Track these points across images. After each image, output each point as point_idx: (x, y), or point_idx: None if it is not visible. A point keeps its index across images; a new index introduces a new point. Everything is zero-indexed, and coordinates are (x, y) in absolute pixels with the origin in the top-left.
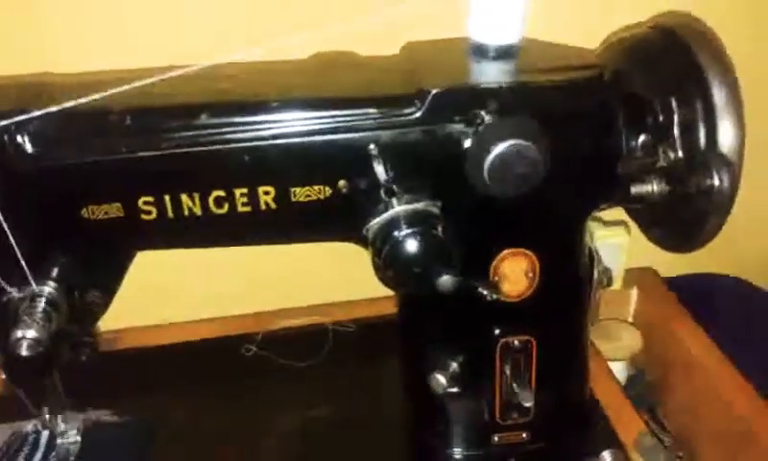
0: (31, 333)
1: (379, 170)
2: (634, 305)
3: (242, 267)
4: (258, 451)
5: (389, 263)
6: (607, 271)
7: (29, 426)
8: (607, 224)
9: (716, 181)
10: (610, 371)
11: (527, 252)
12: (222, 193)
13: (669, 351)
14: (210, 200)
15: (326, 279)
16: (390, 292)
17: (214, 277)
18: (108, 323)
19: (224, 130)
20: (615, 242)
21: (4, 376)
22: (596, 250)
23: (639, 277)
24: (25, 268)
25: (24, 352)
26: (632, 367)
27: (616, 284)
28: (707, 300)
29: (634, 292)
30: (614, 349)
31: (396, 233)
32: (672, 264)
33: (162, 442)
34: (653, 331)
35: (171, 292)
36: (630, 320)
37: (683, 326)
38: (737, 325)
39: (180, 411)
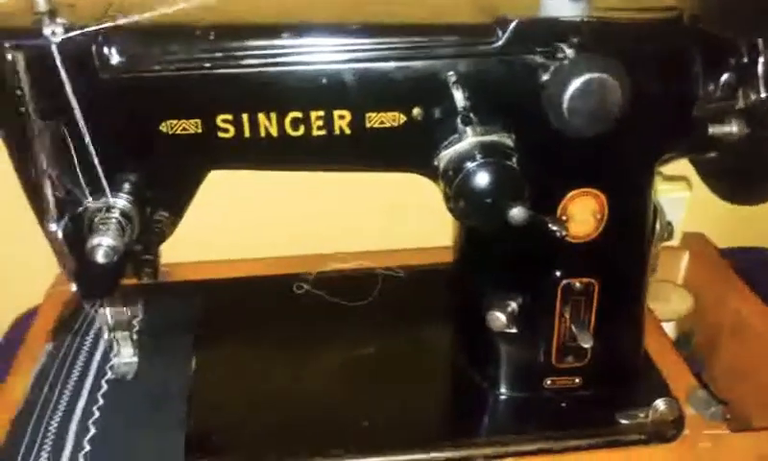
0: (107, 241)
1: (458, 97)
2: (684, 269)
3: (294, 211)
4: (306, 385)
5: (461, 193)
6: (669, 224)
7: (85, 344)
8: (668, 179)
9: None
10: (661, 327)
11: (597, 192)
12: (298, 115)
13: (719, 314)
14: (287, 121)
15: (377, 227)
16: (439, 242)
17: (267, 219)
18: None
19: (303, 51)
20: (677, 196)
21: None
22: (659, 202)
23: (691, 241)
24: (102, 178)
25: (100, 259)
26: (679, 329)
27: (676, 239)
28: (756, 273)
29: (685, 255)
30: (663, 309)
31: (469, 163)
32: (723, 236)
33: (212, 371)
34: (702, 295)
35: (224, 230)
36: (680, 283)
37: (734, 289)
38: None
39: (229, 343)
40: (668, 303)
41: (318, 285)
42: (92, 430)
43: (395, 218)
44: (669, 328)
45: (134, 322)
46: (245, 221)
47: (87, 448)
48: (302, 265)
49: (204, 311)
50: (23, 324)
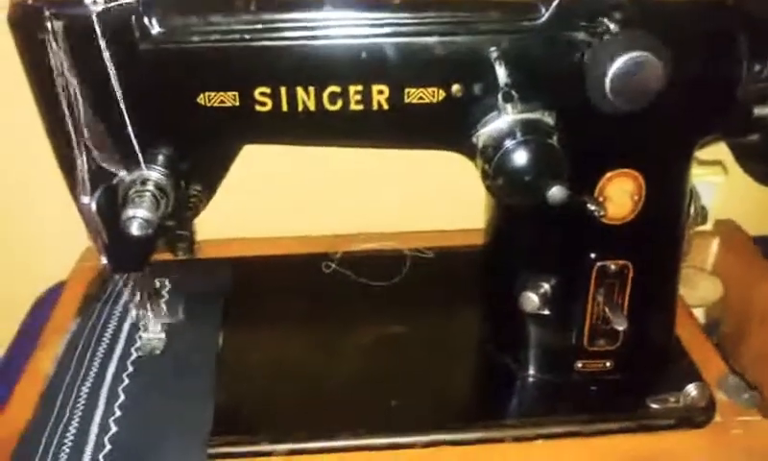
0: (141, 213)
1: (500, 73)
2: (713, 256)
3: (321, 190)
4: (333, 363)
5: (500, 171)
6: (703, 208)
7: (113, 319)
8: (703, 163)
9: None
10: (691, 313)
11: (635, 173)
12: (337, 89)
13: (748, 301)
14: (325, 95)
15: (404, 209)
16: (466, 224)
17: (294, 197)
18: None
19: (344, 24)
20: (711, 181)
21: None
22: (694, 186)
23: (721, 227)
24: (137, 150)
25: (135, 232)
26: (708, 316)
27: (709, 224)
28: None
29: (715, 241)
30: (692, 296)
31: (509, 140)
32: (755, 224)
33: (240, 347)
34: (732, 282)
35: (253, 209)
36: (709, 270)
37: (765, 276)
38: None
39: (257, 320)
40: (697, 290)
41: (345, 265)
42: (119, 408)
43: (421, 200)
44: (697, 315)
45: (163, 298)
46: (272, 199)
47: (114, 429)
48: (330, 245)
49: (233, 288)
50: (46, 300)
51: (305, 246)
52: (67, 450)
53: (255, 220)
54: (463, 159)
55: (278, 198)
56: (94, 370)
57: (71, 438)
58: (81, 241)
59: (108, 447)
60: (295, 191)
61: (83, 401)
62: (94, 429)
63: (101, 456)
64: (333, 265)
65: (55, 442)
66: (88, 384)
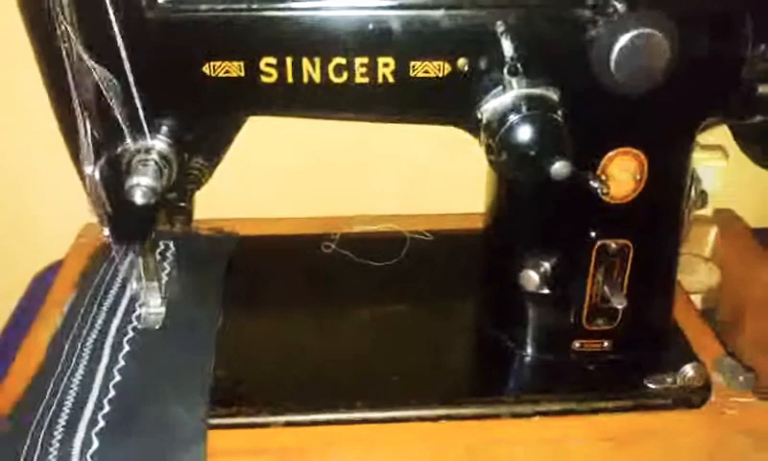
0: (146, 181)
1: (506, 47)
2: (711, 243)
3: (319, 172)
4: (334, 340)
5: (504, 145)
6: (703, 192)
7: (111, 292)
8: (705, 147)
9: None
10: (688, 297)
11: (637, 152)
12: (342, 61)
13: (745, 290)
14: (330, 67)
15: (401, 191)
16: (467, 208)
17: (292, 177)
18: None
19: None
20: (712, 165)
21: None
22: (695, 169)
23: (720, 216)
24: (142, 119)
25: (139, 200)
26: (705, 303)
27: (709, 209)
28: None
29: (713, 230)
30: (690, 281)
31: (514, 115)
32: (755, 216)
33: (240, 324)
34: (729, 270)
35: (250, 190)
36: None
37: (764, 264)
38: None
39: (257, 297)
40: (695, 275)
41: (344, 245)
42: (117, 377)
43: (420, 184)
44: (694, 301)
45: (162, 272)
46: (270, 181)
47: (112, 393)
48: (328, 226)
49: (232, 265)
50: (44, 278)
51: (304, 227)
52: (66, 415)
53: (253, 201)
54: (462, 142)
55: (277, 180)
56: (88, 350)
57: (68, 407)
58: (78, 219)
59: (107, 408)
60: (293, 173)
61: (77, 382)
62: (95, 388)
63: (100, 415)
64: (333, 246)
65: (52, 408)
66: (83, 364)
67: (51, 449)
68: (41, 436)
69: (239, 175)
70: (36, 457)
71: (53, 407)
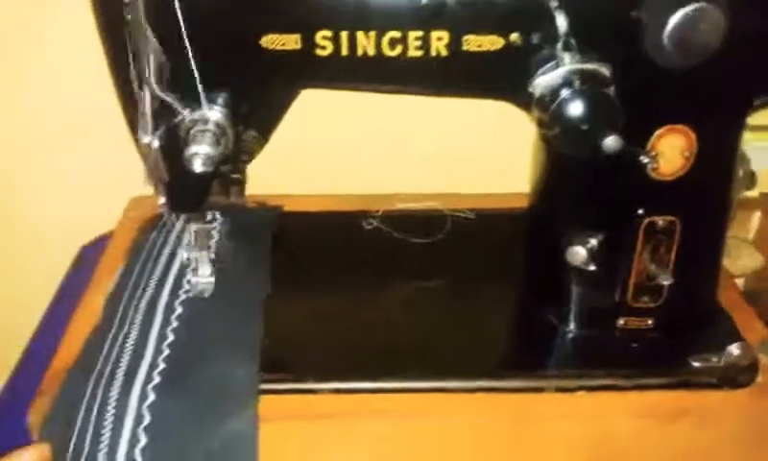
0: (204, 149)
1: (560, 22)
2: (756, 228)
3: (359, 149)
4: (378, 312)
5: (557, 119)
6: (752, 173)
7: (161, 261)
8: (754, 128)
9: None
10: (732, 279)
11: (687, 129)
12: (397, 35)
13: None
14: (384, 40)
15: (445, 169)
16: (509, 188)
17: (334, 154)
18: None
19: None
20: (761, 146)
21: None
22: (743, 149)
23: (765, 200)
24: (200, 90)
25: (198, 168)
26: (747, 287)
27: (756, 190)
28: None
29: (757, 214)
30: (733, 265)
31: (567, 89)
32: None
33: (286, 294)
34: None
35: (293, 167)
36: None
37: None
38: None
39: (302, 269)
40: (738, 259)
41: (386, 222)
42: (170, 337)
43: (462, 163)
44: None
45: (213, 239)
46: (314, 158)
47: (166, 352)
48: (370, 204)
49: (276, 240)
50: (91, 251)
51: (346, 204)
52: (123, 370)
53: (296, 179)
54: (505, 123)
55: (320, 157)
56: (139, 319)
57: (125, 363)
58: (124, 194)
59: (162, 366)
60: (336, 150)
61: (129, 350)
62: (150, 347)
63: (155, 372)
64: (374, 222)
65: (110, 364)
66: (135, 333)
67: (110, 401)
68: (100, 390)
69: (283, 151)
70: (95, 409)
71: (110, 363)
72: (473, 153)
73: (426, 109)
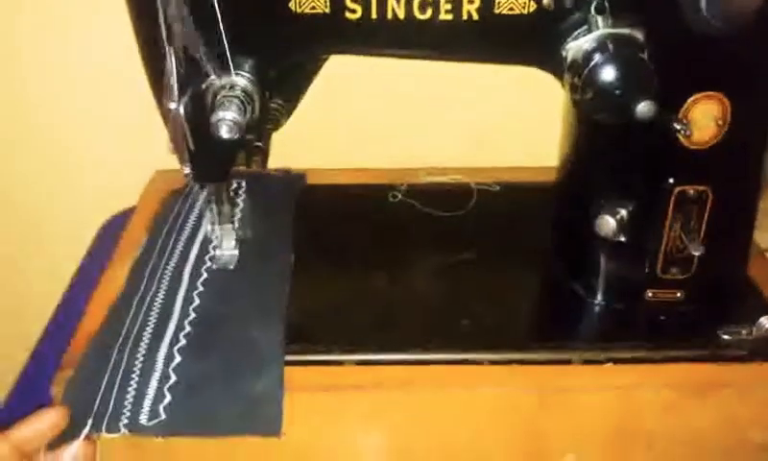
0: (231, 115)
1: None
2: None
3: (385, 121)
4: (403, 284)
5: (590, 84)
6: None
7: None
8: None
9: None
10: (762, 252)
11: (722, 97)
12: None
13: None
14: (415, 3)
15: (471, 142)
16: (535, 162)
17: (359, 127)
18: None
19: None
20: None
21: None
22: None
23: None
24: (228, 55)
25: (225, 134)
26: None
27: None
28: None
29: None
30: (763, 238)
31: (600, 54)
32: None
33: (311, 266)
34: None
35: (317, 140)
36: None
37: None
38: None
39: (326, 241)
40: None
41: (411, 195)
42: (196, 301)
43: (488, 134)
44: None
45: (237, 208)
46: (338, 132)
47: (192, 315)
48: (395, 177)
49: (300, 212)
50: (114, 224)
51: (371, 177)
52: (149, 333)
53: (320, 152)
54: (532, 95)
55: (345, 129)
56: (164, 289)
57: (151, 326)
58: (147, 168)
59: (188, 329)
60: (361, 123)
61: (152, 322)
62: (176, 311)
63: (181, 335)
64: (400, 195)
65: (137, 326)
66: (158, 304)
67: (136, 362)
68: (126, 351)
69: (308, 123)
70: (121, 370)
71: (137, 325)
72: (500, 126)
73: (453, 82)
